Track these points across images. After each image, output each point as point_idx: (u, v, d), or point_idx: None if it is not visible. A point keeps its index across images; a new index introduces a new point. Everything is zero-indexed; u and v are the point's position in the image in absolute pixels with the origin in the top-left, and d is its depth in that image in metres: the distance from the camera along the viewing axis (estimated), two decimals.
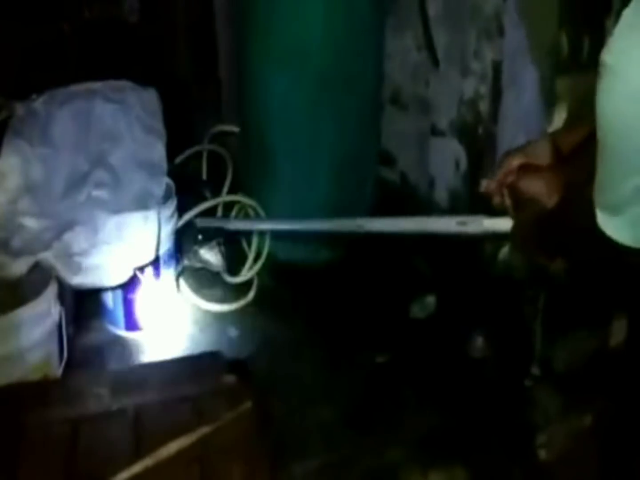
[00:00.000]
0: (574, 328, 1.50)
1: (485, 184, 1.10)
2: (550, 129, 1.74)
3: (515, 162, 1.06)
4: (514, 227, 1.03)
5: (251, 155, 1.87)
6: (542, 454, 1.41)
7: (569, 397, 1.43)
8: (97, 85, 1.62)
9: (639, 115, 0.70)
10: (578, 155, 0.99)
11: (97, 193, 1.37)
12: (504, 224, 1.05)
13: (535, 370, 1.49)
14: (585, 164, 0.80)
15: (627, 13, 0.68)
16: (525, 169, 1.04)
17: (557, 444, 1.40)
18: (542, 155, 1.05)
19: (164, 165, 1.46)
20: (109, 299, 1.49)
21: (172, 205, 1.48)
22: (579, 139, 1.00)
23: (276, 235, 1.77)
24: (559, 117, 1.79)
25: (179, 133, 1.67)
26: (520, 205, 1.03)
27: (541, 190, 0.99)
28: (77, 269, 1.32)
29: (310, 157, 1.78)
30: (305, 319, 1.66)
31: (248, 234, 1.77)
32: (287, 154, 1.78)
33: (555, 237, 0.95)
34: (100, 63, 1.90)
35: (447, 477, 1.39)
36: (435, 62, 1.84)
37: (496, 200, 1.08)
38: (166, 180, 1.47)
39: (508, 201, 1.06)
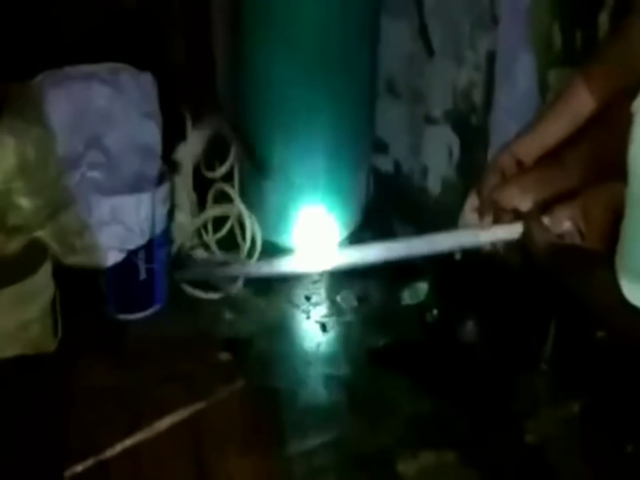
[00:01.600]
0: (563, 315, 1.53)
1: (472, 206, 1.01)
2: None
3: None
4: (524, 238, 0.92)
5: (246, 142, 1.88)
6: (531, 438, 1.42)
7: (558, 383, 1.45)
8: (93, 67, 1.62)
9: None
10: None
11: (91, 174, 1.38)
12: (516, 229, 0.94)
13: (544, 367, 1.51)
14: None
15: None
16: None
17: (545, 429, 1.42)
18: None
19: (159, 148, 1.47)
20: (102, 281, 1.50)
21: (166, 188, 1.49)
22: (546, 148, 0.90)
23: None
24: None
25: (173, 118, 1.68)
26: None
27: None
28: (71, 249, 1.33)
29: (305, 144, 1.79)
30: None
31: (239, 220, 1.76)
32: (282, 140, 1.79)
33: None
34: (96, 47, 1.90)
35: (437, 460, 1.41)
36: (430, 51, 1.85)
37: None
38: (161, 163, 1.48)
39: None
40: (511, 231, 0.94)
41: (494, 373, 1.50)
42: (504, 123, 1.72)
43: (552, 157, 0.89)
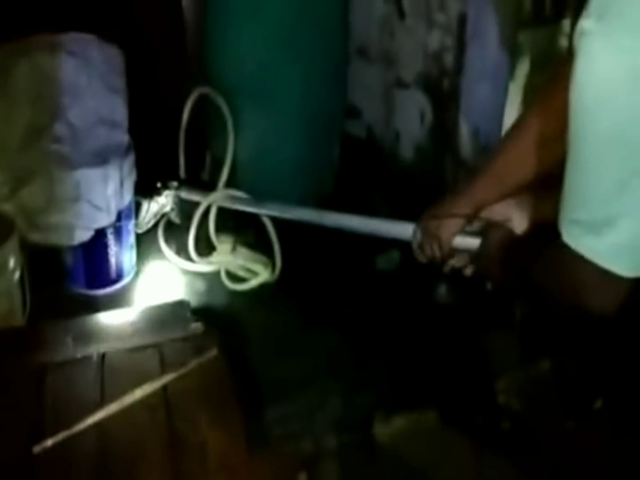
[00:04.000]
0: None
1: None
2: (512, 81, 1.76)
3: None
4: (481, 248, 1.01)
5: (219, 110, 1.86)
6: (502, 398, 1.45)
7: (527, 343, 1.47)
8: (59, 38, 1.59)
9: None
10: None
11: (55, 147, 1.35)
12: (473, 242, 1.03)
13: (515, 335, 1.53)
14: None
15: None
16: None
17: (515, 388, 1.44)
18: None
19: (125, 122, 1.44)
20: (69, 256, 1.48)
21: (131, 160, 1.47)
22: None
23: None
24: (521, 70, 1.80)
25: (143, 90, 1.65)
26: (490, 229, 1.01)
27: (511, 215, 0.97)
28: (35, 227, 1.31)
29: (278, 111, 1.78)
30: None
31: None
32: (255, 108, 1.77)
33: (519, 263, 0.92)
34: (63, 17, 1.86)
35: (412, 421, 1.43)
36: (401, 14, 1.83)
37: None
38: (126, 136, 1.45)
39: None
40: (469, 242, 1.03)
41: (466, 334, 1.52)
42: (475, 85, 1.72)
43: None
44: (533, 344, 1.48)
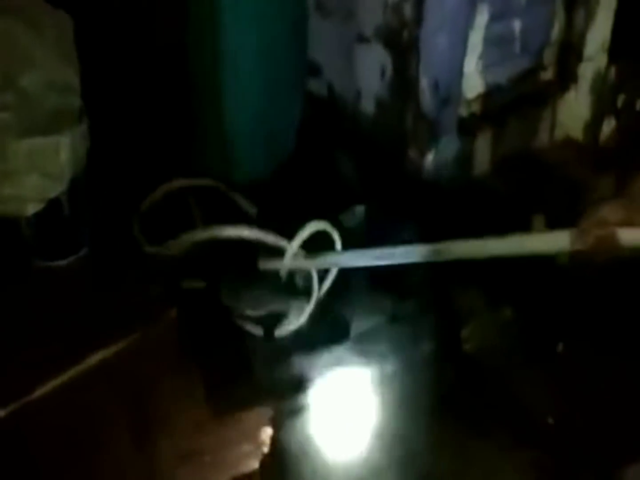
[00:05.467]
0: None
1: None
2: (472, 31, 1.74)
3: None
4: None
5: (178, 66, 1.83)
6: (467, 347, 1.47)
7: (489, 291, 1.49)
8: (6, 2, 1.54)
9: None
10: None
11: (3, 116, 1.32)
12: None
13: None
14: None
15: None
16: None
17: (479, 336, 1.46)
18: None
19: (78, 87, 1.41)
20: (24, 228, 1.45)
21: (84, 127, 1.44)
22: None
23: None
24: (481, 18, 1.78)
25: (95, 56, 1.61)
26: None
27: None
28: None
29: (235, 71, 1.75)
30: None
31: None
32: (212, 63, 1.73)
33: None
34: None
35: (381, 372, 1.45)
36: None
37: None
38: (78, 102, 1.42)
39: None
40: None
41: (429, 286, 1.53)
42: (434, 36, 1.70)
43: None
44: (496, 292, 1.50)
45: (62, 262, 1.42)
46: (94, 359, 1.03)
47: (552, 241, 1.10)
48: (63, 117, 1.36)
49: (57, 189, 1.34)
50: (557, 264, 1.19)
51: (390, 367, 1.41)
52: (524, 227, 1.50)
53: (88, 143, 1.41)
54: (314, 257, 1.47)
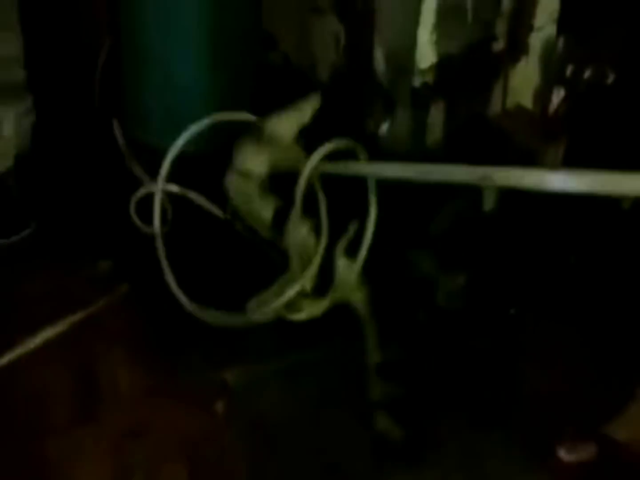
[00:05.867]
0: (451, 197, 1.57)
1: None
2: (425, 1, 1.75)
3: None
4: None
5: (127, 40, 1.81)
6: (420, 315, 1.50)
7: (443, 258, 1.51)
8: None
9: None
10: None
11: None
12: None
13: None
14: None
15: None
16: None
17: (433, 304, 1.49)
18: None
19: (21, 58, 1.38)
20: None
21: (29, 100, 1.41)
22: None
23: None
24: None
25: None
26: None
27: None
28: None
29: (187, 41, 1.74)
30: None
31: None
32: (163, 40, 1.73)
33: None
34: None
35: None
36: None
37: None
38: (22, 73, 1.39)
39: None
40: None
41: (385, 249, 1.54)
42: (388, 5, 1.71)
43: None
44: (449, 258, 1.52)
45: (10, 240, 1.40)
46: (44, 335, 1.04)
47: None
48: (5, 91, 1.34)
49: (1, 166, 1.32)
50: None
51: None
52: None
53: (33, 118, 1.38)
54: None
